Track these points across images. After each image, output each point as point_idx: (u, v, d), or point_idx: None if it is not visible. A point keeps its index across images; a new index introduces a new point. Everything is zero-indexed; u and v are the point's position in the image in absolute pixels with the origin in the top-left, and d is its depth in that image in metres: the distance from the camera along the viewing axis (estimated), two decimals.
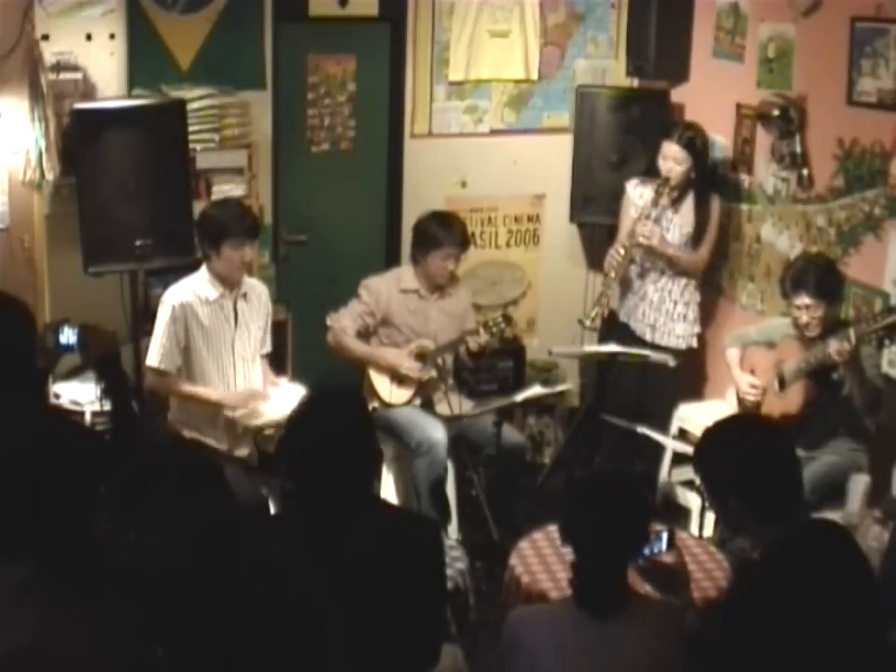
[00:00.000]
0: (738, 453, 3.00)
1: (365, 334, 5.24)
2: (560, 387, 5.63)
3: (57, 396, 4.91)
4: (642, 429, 5.01)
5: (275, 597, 2.03)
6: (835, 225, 5.23)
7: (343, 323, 5.19)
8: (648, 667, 2.94)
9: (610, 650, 2.91)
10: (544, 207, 6.52)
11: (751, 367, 5.06)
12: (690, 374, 5.82)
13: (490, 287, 6.47)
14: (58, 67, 5.07)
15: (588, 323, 5.61)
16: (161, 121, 5.07)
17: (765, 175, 5.63)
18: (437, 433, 5.02)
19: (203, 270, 4.73)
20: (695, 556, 4.04)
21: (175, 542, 2.12)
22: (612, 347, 5.40)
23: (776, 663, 2.74)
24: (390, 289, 5.24)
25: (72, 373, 4.92)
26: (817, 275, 4.69)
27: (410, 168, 6.18)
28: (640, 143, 6.01)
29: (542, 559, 4.01)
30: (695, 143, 5.43)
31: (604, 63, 6.40)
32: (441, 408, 5.22)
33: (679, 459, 5.25)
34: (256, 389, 4.78)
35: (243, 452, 4.77)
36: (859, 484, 4.59)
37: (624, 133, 6.09)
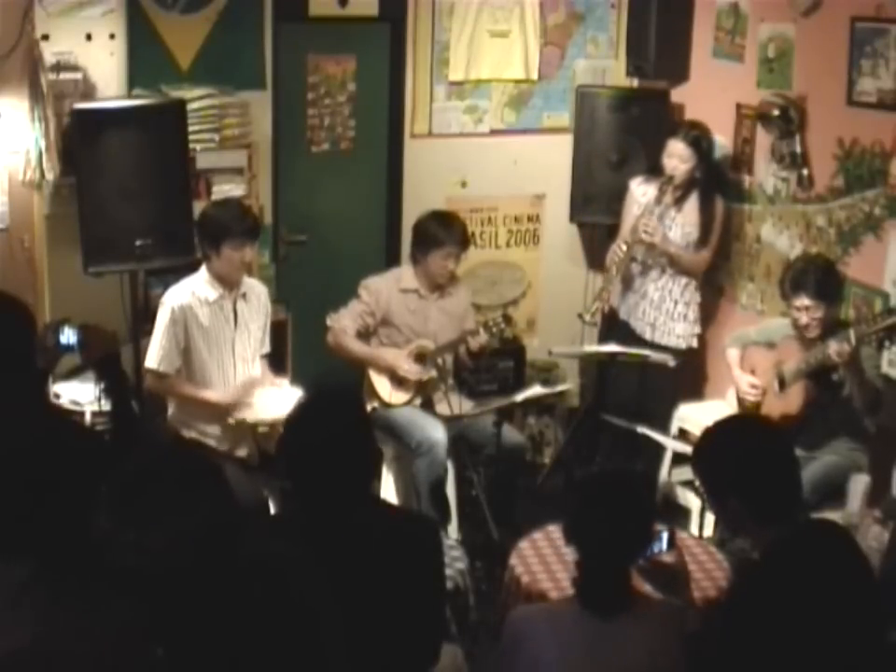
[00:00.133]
0: (737, 453, 3.00)
1: (365, 334, 5.24)
2: (560, 387, 5.62)
3: (57, 396, 4.91)
4: (642, 429, 5.01)
5: (275, 597, 2.03)
6: (835, 225, 5.23)
7: (343, 323, 5.19)
8: (649, 667, 2.94)
9: (612, 649, 2.91)
10: (544, 207, 6.52)
11: (751, 367, 5.06)
12: (690, 374, 5.82)
13: (490, 287, 6.47)
14: (58, 67, 5.06)
15: (588, 318, 5.61)
16: (161, 121, 5.07)
17: (765, 175, 5.63)
18: (437, 433, 5.02)
19: (203, 270, 4.73)
20: (695, 556, 4.04)
21: (174, 542, 2.12)
22: (612, 347, 5.40)
23: (776, 663, 2.74)
24: (390, 289, 5.24)
25: (72, 373, 4.92)
26: (816, 276, 4.69)
27: (410, 168, 6.18)
28: (640, 143, 6.02)
29: (542, 559, 4.02)
30: (701, 142, 5.44)
31: (604, 63, 6.40)
32: (441, 408, 5.22)
33: (679, 459, 5.25)
34: (251, 378, 4.76)
35: (243, 452, 4.77)
36: (859, 484, 4.59)
37: (624, 133, 6.09)
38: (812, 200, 5.36)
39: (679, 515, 5.24)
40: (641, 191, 5.58)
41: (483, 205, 6.38)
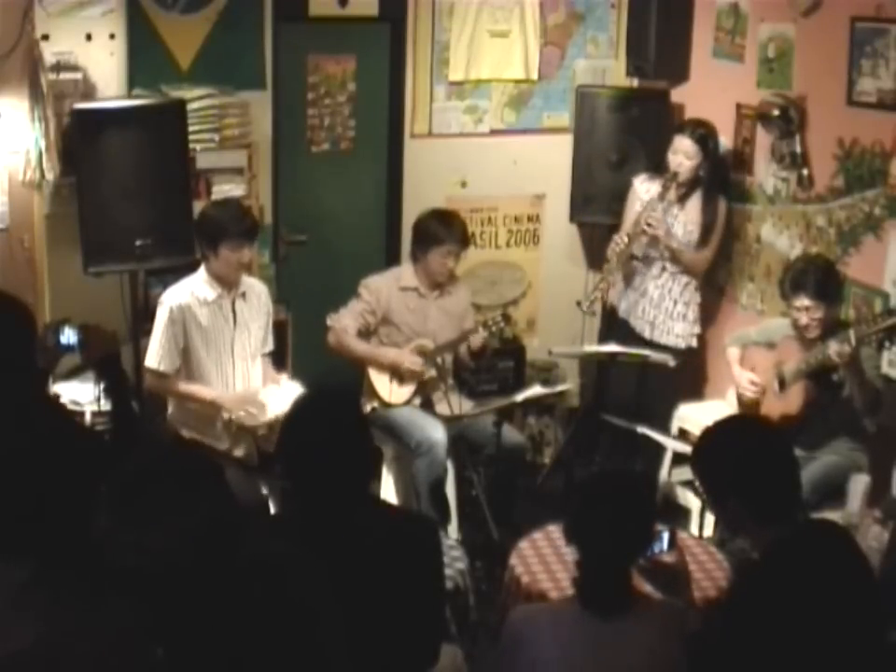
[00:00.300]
0: (737, 453, 3.00)
1: (366, 333, 5.24)
2: (560, 387, 5.63)
3: (57, 396, 4.90)
4: (642, 429, 5.01)
5: (275, 597, 2.03)
6: (835, 225, 5.23)
7: (344, 322, 5.19)
8: (650, 667, 2.94)
9: (613, 649, 2.91)
10: (544, 207, 6.52)
11: (752, 367, 5.06)
12: (690, 374, 5.82)
13: (490, 287, 6.47)
14: (58, 67, 5.06)
15: (586, 307, 5.59)
16: (161, 121, 5.06)
17: (765, 175, 5.63)
18: (436, 433, 5.02)
19: (202, 270, 4.73)
20: (695, 556, 4.04)
21: (174, 542, 2.12)
22: (612, 347, 5.40)
23: (776, 663, 2.74)
24: (390, 287, 5.24)
25: (72, 373, 4.92)
26: (816, 277, 4.69)
27: (410, 168, 6.18)
28: (640, 143, 6.02)
29: (542, 559, 4.02)
30: (708, 141, 5.44)
31: (604, 63, 6.40)
32: (441, 408, 5.22)
33: (679, 459, 5.25)
34: (252, 392, 4.77)
35: (242, 452, 4.77)
36: (859, 484, 4.59)
37: (624, 132, 6.09)
38: (812, 200, 5.36)
39: (678, 515, 5.24)
40: (644, 189, 5.58)
41: (483, 205, 6.39)
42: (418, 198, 5.96)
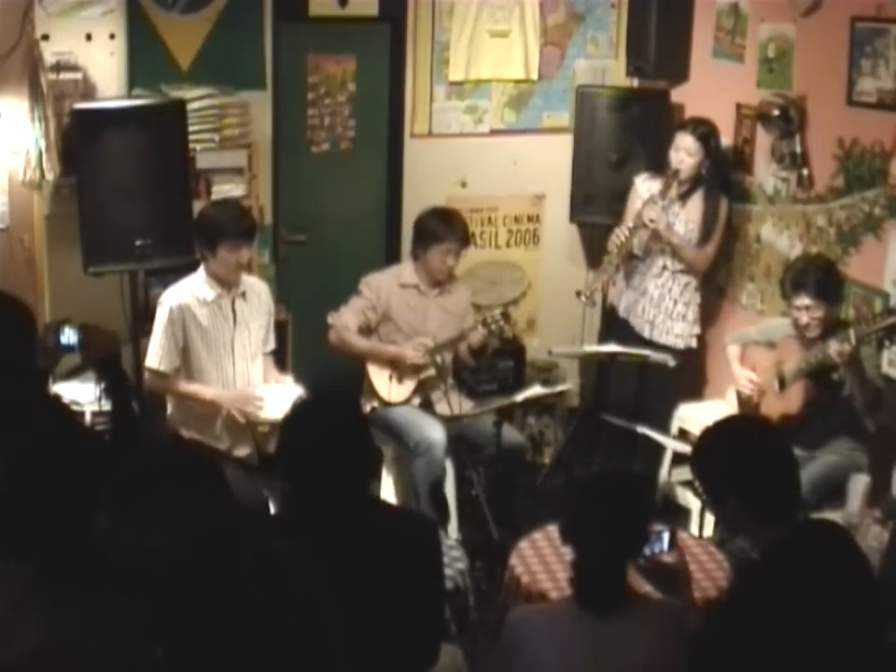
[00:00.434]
0: (737, 453, 3.00)
1: (366, 330, 5.24)
2: (560, 387, 5.62)
3: (57, 396, 4.90)
4: (642, 429, 5.01)
5: (275, 597, 2.03)
6: (835, 225, 5.23)
7: (345, 320, 5.20)
8: (647, 667, 2.94)
9: (610, 649, 2.92)
10: (544, 207, 6.52)
11: (752, 366, 5.06)
12: (690, 374, 5.82)
13: (490, 287, 6.47)
14: (58, 67, 5.06)
15: (586, 297, 5.56)
16: (161, 121, 5.06)
17: (765, 175, 5.63)
18: (435, 433, 5.02)
19: (201, 270, 4.74)
20: (695, 556, 4.04)
21: (175, 542, 2.12)
22: (612, 347, 5.40)
23: (776, 663, 2.74)
24: (390, 285, 5.25)
25: (72, 373, 4.92)
26: (817, 276, 4.69)
27: (410, 168, 6.18)
28: (640, 143, 6.02)
29: (542, 559, 4.02)
30: (709, 139, 5.44)
31: (604, 62, 6.40)
32: (441, 408, 5.22)
33: (679, 459, 5.25)
34: (251, 392, 4.76)
35: (243, 452, 4.77)
36: (859, 484, 4.59)
37: (624, 132, 6.09)
38: (812, 200, 5.36)
39: (679, 515, 5.24)
40: (646, 188, 5.58)
41: (483, 205, 6.39)
42: (418, 198, 5.96)
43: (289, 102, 5.83)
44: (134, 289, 5.16)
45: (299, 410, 3.11)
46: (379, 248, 6.24)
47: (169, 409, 4.83)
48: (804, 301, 4.67)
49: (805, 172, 5.36)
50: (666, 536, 3.39)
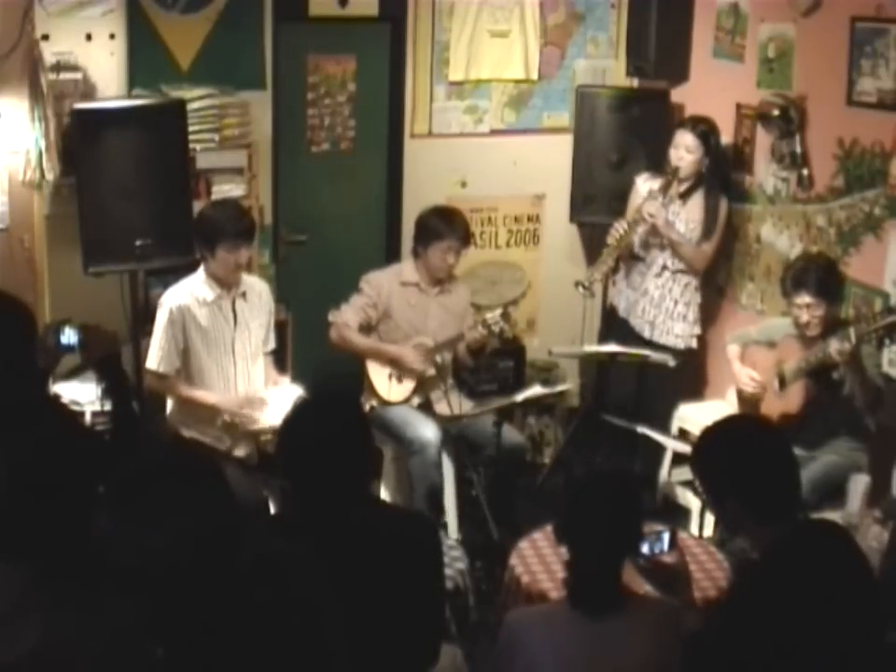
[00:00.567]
0: (736, 453, 3.00)
1: (367, 328, 5.24)
2: (560, 387, 5.62)
3: (57, 396, 4.91)
4: (642, 429, 5.01)
5: (275, 597, 2.03)
6: (835, 225, 5.23)
7: (346, 317, 5.20)
8: (643, 667, 2.94)
9: (606, 649, 2.92)
10: (544, 207, 6.52)
11: (752, 366, 5.06)
12: (690, 374, 5.82)
13: (490, 287, 6.47)
14: (58, 67, 5.06)
15: (585, 287, 5.54)
16: (161, 121, 5.06)
17: (765, 175, 5.63)
18: (428, 432, 5.03)
19: (201, 270, 4.73)
20: (695, 556, 4.04)
21: (175, 542, 2.12)
22: (612, 347, 5.40)
23: (776, 663, 2.74)
24: (391, 283, 5.25)
25: (72, 373, 4.92)
26: (818, 274, 4.69)
27: (410, 168, 6.18)
28: (640, 143, 6.02)
29: (542, 559, 4.02)
30: (709, 137, 5.45)
31: (604, 62, 6.40)
32: (441, 408, 5.22)
33: (679, 459, 5.25)
34: (254, 396, 4.76)
35: (242, 452, 4.77)
36: (859, 484, 4.59)
37: (624, 132, 6.09)
38: (812, 200, 5.36)
39: (679, 515, 5.24)
40: (647, 187, 5.58)
41: (483, 205, 6.39)
42: (418, 198, 5.96)
43: (289, 102, 5.83)
44: (134, 289, 5.16)
45: (300, 409, 3.10)
46: (379, 248, 6.24)
47: (169, 409, 4.83)
48: (804, 298, 4.68)
49: (805, 172, 5.36)
50: (667, 536, 3.39)
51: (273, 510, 4.58)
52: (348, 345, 5.22)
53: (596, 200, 6.16)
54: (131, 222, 4.98)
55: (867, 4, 4.93)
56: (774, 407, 4.85)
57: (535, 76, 6.30)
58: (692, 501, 5.18)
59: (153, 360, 4.67)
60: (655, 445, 5.21)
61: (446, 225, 5.18)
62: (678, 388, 5.64)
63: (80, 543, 2.27)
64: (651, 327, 5.61)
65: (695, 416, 5.37)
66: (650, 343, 5.52)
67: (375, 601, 2.82)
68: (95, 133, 4.91)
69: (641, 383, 5.64)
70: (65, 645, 2.14)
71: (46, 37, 5.04)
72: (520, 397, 5.14)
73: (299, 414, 3.07)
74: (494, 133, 6.31)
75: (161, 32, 5.39)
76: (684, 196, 5.53)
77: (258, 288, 4.89)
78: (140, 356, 4.85)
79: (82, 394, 4.88)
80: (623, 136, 6.09)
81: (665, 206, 5.45)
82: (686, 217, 5.53)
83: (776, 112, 5.37)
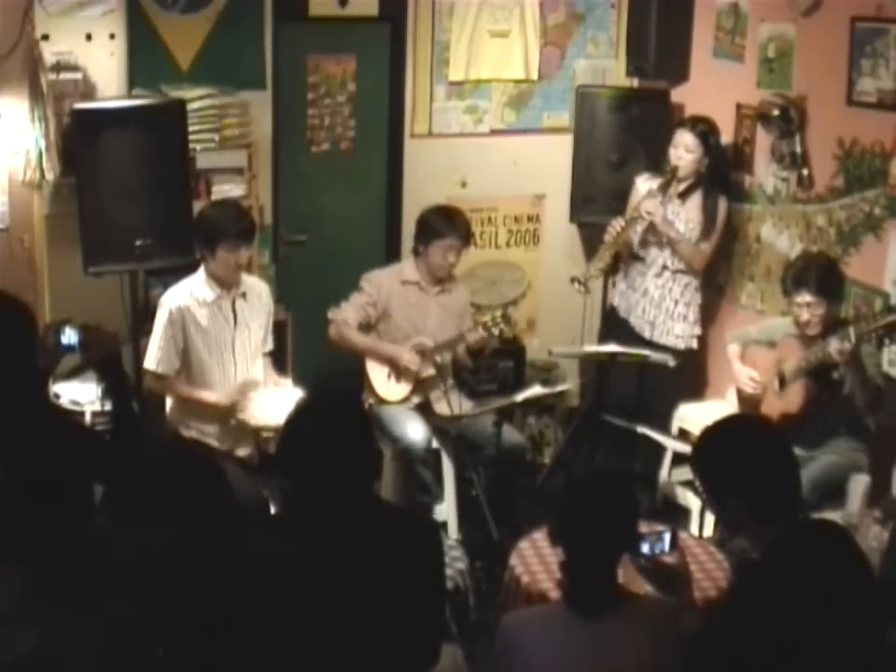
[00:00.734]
0: (737, 453, 3.00)
1: (366, 327, 5.25)
2: (560, 387, 5.63)
3: (57, 396, 4.91)
4: (642, 429, 5.01)
5: (276, 597, 2.03)
6: (835, 225, 5.23)
7: (345, 315, 5.20)
8: (641, 667, 2.94)
9: (603, 650, 2.92)
10: (544, 207, 6.52)
11: (752, 366, 5.06)
12: (690, 374, 5.82)
13: (490, 287, 6.47)
14: (58, 67, 5.06)
15: (581, 282, 5.54)
16: (161, 121, 5.06)
17: (765, 175, 5.63)
18: (415, 434, 5.04)
19: (201, 271, 4.73)
20: (695, 556, 4.04)
21: (175, 542, 2.12)
22: (612, 347, 5.40)
23: (776, 663, 2.74)
24: (391, 282, 5.26)
25: (72, 373, 4.92)
26: (818, 273, 4.69)
27: (410, 168, 6.18)
28: (640, 143, 6.02)
29: (542, 559, 4.01)
30: (709, 137, 5.45)
31: (604, 63, 6.40)
32: (441, 408, 5.22)
33: (679, 459, 5.25)
34: (248, 380, 4.75)
35: (243, 452, 4.77)
36: (859, 484, 4.59)
37: (624, 132, 6.09)
38: (812, 200, 5.36)
39: (679, 515, 5.24)
40: (647, 187, 5.58)
41: (483, 205, 6.39)
42: (418, 198, 5.96)
43: (289, 102, 5.83)
44: (134, 289, 5.16)
45: (301, 408, 3.10)
46: (379, 248, 6.23)
47: (168, 409, 4.82)
48: (805, 297, 4.68)
49: (805, 172, 5.36)
50: (667, 536, 3.39)
51: (273, 510, 4.58)
52: (346, 343, 5.22)
53: (596, 200, 6.16)
54: (131, 222, 4.98)
55: (867, 4, 4.93)
56: (774, 407, 4.85)
57: (535, 76, 6.30)
58: (692, 501, 5.18)
59: (151, 360, 4.67)
60: (655, 445, 5.21)
61: (447, 223, 5.19)
62: (678, 388, 5.64)
63: (80, 543, 2.27)
64: (651, 327, 5.61)
65: (695, 416, 5.37)
66: (650, 344, 5.52)
67: (376, 601, 2.82)
68: (95, 133, 4.91)
69: (641, 383, 5.64)
70: (65, 645, 2.14)
71: (46, 37, 5.04)
72: (520, 397, 5.14)
73: (300, 414, 3.06)
74: (494, 133, 6.30)
75: (161, 32, 5.39)
76: (683, 196, 5.53)
77: (258, 289, 4.89)
78: (140, 356, 4.85)
79: (82, 394, 4.88)
80: (622, 136, 6.09)
81: (663, 205, 5.46)
82: (685, 217, 5.53)
83: (776, 112, 5.38)
